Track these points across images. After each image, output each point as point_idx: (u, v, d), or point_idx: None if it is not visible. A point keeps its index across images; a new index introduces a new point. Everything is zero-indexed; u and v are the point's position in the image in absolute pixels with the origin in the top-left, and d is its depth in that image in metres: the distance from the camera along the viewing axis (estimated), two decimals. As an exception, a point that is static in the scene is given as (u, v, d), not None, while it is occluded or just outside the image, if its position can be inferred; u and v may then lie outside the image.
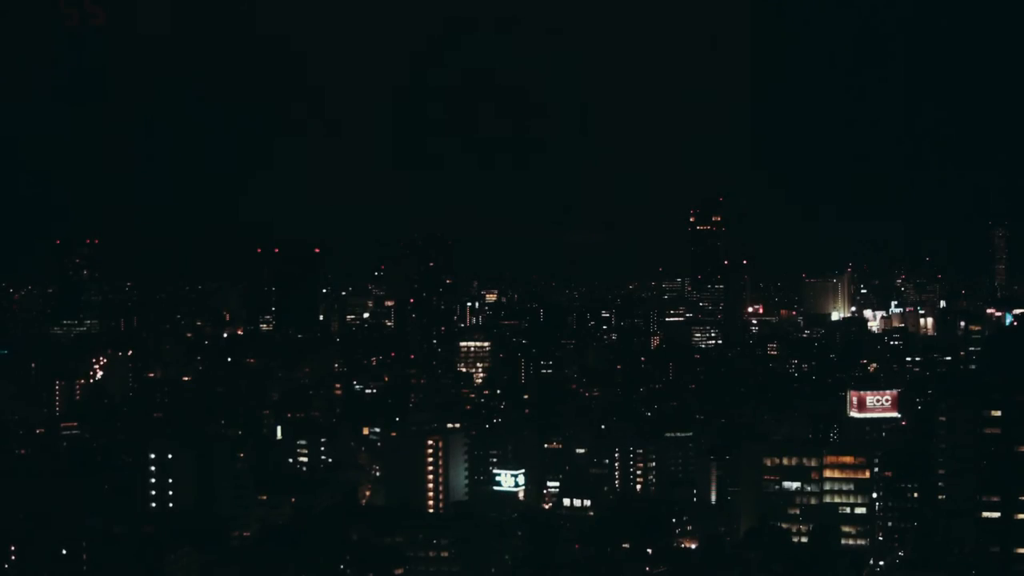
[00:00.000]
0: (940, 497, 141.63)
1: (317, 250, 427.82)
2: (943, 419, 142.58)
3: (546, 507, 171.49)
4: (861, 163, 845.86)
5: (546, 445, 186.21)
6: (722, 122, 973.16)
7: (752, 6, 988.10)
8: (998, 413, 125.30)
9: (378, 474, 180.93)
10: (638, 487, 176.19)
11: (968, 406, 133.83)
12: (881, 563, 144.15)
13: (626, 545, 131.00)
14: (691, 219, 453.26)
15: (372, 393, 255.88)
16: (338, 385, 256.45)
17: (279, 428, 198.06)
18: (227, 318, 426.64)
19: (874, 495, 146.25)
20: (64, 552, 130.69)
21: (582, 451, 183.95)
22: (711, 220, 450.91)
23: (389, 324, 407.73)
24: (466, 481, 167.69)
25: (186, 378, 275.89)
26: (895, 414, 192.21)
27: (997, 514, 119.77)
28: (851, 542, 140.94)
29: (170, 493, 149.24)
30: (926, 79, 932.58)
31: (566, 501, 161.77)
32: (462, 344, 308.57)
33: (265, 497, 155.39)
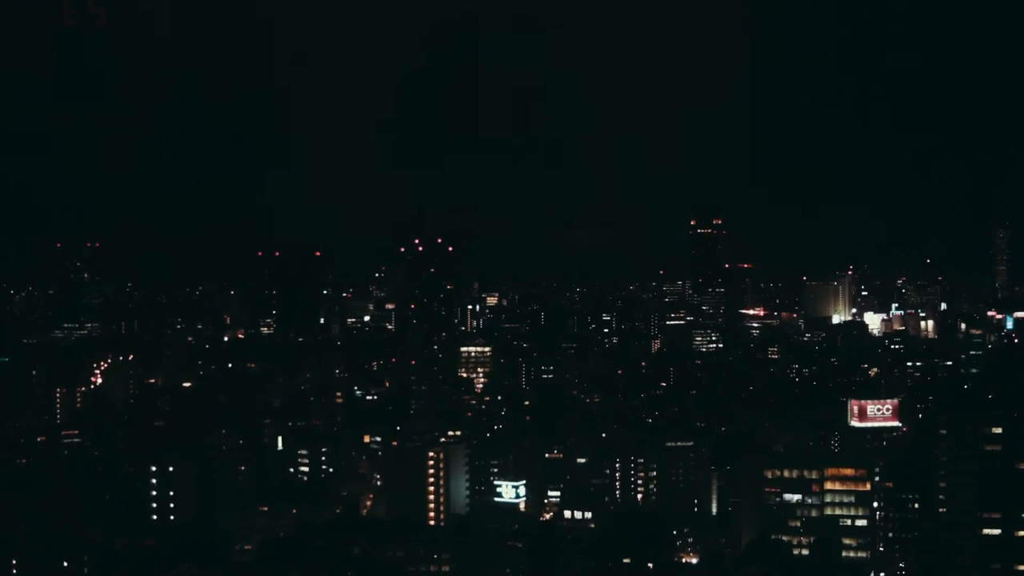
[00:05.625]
0: (941, 510, 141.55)
1: (318, 252, 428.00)
2: (943, 432, 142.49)
3: (547, 517, 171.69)
4: (861, 163, 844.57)
5: (547, 455, 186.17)
6: (722, 123, 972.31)
7: (752, 8, 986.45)
8: (999, 430, 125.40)
9: (379, 483, 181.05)
10: (639, 497, 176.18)
11: (969, 422, 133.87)
12: (883, 575, 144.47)
13: (627, 560, 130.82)
14: (692, 222, 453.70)
15: (373, 400, 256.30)
16: (339, 393, 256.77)
17: (280, 438, 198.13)
18: (227, 321, 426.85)
19: (875, 504, 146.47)
20: (65, 565, 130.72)
21: (583, 461, 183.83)
22: (711, 223, 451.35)
23: (390, 327, 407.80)
24: (467, 493, 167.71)
25: (187, 384, 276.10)
26: (896, 423, 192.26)
27: (998, 531, 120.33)
28: (852, 554, 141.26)
29: (171, 505, 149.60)
30: (927, 79, 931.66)
31: (567, 513, 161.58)
32: (463, 349, 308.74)
33: (266, 508, 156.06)
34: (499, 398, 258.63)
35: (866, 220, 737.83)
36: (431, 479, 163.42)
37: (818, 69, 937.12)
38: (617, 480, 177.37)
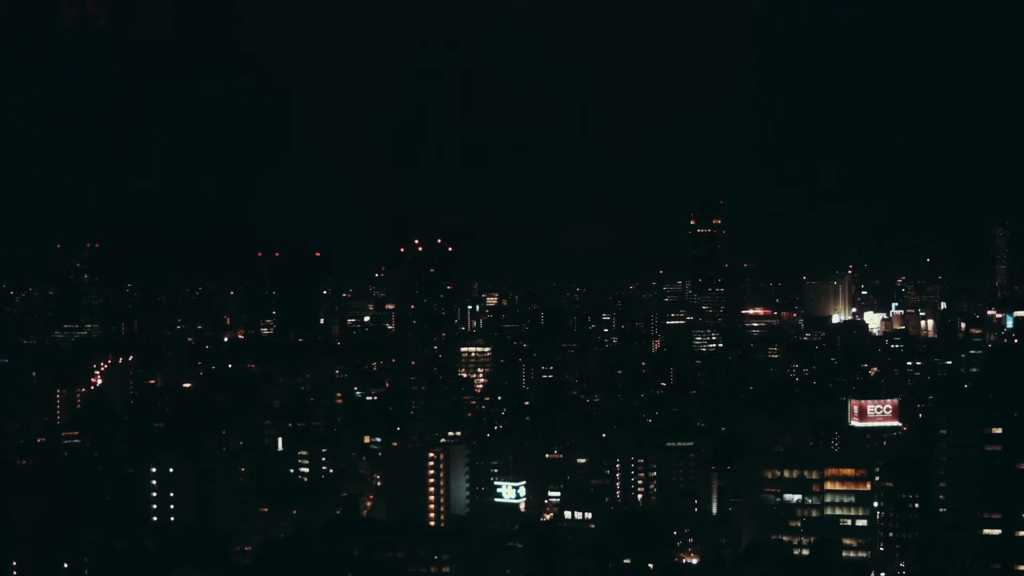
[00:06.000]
0: (941, 510, 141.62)
1: (318, 253, 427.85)
2: (944, 432, 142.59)
3: (547, 517, 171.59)
4: (862, 163, 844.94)
5: (547, 455, 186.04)
6: (723, 123, 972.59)
7: (754, 4, 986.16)
8: (999, 430, 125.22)
9: (379, 484, 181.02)
10: (639, 498, 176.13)
11: (969, 422, 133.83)
12: (883, 575, 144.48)
13: (627, 560, 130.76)
14: (691, 222, 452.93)
15: (373, 400, 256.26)
16: (339, 393, 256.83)
17: (280, 438, 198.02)
18: (228, 321, 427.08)
19: (875, 504, 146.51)
20: (66, 566, 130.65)
21: (583, 461, 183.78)
22: (711, 223, 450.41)
23: (390, 327, 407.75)
24: (467, 493, 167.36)
25: (187, 384, 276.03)
26: (896, 423, 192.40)
27: (998, 531, 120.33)
28: (852, 554, 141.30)
29: (171, 507, 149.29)
30: (926, 78, 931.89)
31: (567, 513, 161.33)
32: (463, 349, 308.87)
33: (267, 509, 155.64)
34: (499, 398, 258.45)
35: (866, 220, 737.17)
36: (431, 480, 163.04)
37: (819, 67, 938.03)
38: (617, 480, 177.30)
